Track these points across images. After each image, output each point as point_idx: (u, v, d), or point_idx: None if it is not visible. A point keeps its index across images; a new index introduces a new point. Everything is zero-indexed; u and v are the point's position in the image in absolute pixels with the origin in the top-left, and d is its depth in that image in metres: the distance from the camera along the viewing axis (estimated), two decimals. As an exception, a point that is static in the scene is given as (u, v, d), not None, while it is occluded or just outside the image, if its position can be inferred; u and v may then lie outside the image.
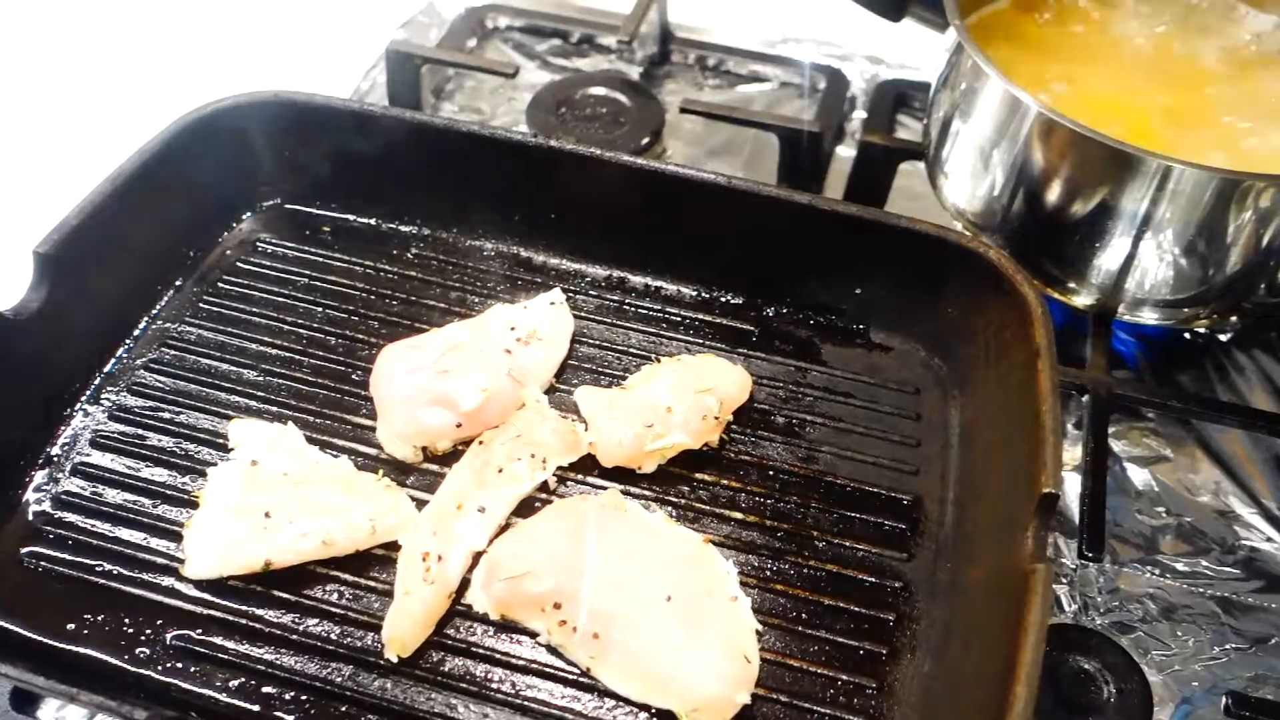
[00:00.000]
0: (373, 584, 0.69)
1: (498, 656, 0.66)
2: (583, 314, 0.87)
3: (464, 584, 0.68)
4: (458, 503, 0.70)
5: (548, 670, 0.65)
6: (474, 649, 0.66)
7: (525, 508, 0.73)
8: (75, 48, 1.18)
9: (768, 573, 0.71)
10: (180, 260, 0.88)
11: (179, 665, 0.65)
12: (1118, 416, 0.84)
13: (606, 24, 1.21)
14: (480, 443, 0.74)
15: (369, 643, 0.66)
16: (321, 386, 0.80)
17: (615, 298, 0.88)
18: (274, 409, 0.79)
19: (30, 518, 0.71)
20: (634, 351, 0.84)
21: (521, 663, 0.65)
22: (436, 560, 0.67)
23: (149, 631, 0.66)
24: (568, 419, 0.77)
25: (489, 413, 0.76)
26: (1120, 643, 0.69)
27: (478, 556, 0.69)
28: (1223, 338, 0.91)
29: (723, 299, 0.88)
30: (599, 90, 1.10)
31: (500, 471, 0.72)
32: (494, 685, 0.65)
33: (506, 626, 0.67)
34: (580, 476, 0.75)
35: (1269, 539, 0.78)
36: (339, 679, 0.65)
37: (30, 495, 0.73)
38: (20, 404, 0.74)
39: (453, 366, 0.77)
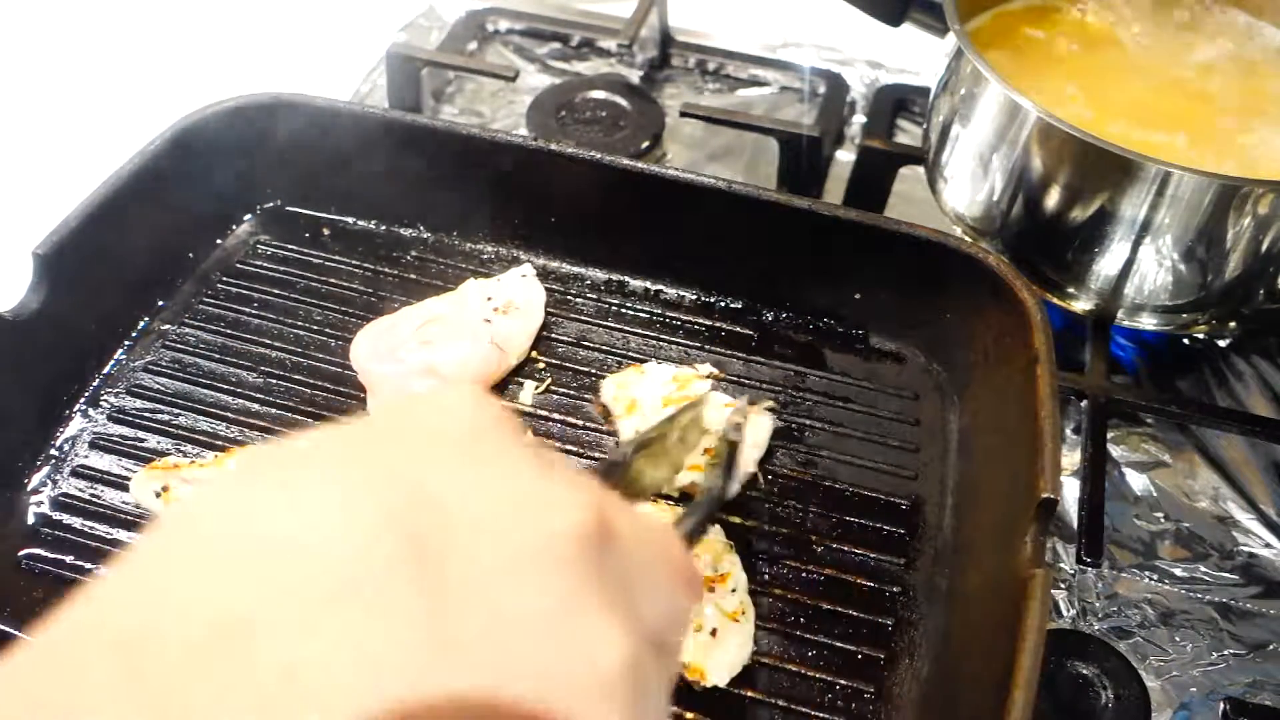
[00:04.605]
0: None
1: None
2: (583, 317, 0.87)
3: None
4: None
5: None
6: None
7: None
8: (75, 48, 1.18)
9: (766, 577, 0.70)
10: (179, 262, 0.88)
11: (177, 668, 0.64)
12: (1116, 422, 0.84)
13: (607, 28, 1.21)
14: None
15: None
16: (321, 389, 0.80)
17: (615, 301, 0.88)
18: (273, 411, 0.79)
19: (29, 520, 0.71)
20: (633, 355, 0.84)
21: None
22: None
23: (147, 634, 0.66)
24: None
25: (476, 379, 0.79)
26: (1118, 648, 0.69)
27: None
28: (1221, 343, 0.91)
29: (722, 303, 0.88)
30: (599, 94, 1.10)
31: None
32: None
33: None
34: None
35: (1267, 545, 0.78)
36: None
37: (28, 497, 0.73)
38: (18, 406, 0.74)
39: (435, 337, 0.80)
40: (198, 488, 0.26)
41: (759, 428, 0.76)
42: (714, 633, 0.63)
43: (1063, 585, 0.74)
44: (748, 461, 0.74)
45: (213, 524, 0.26)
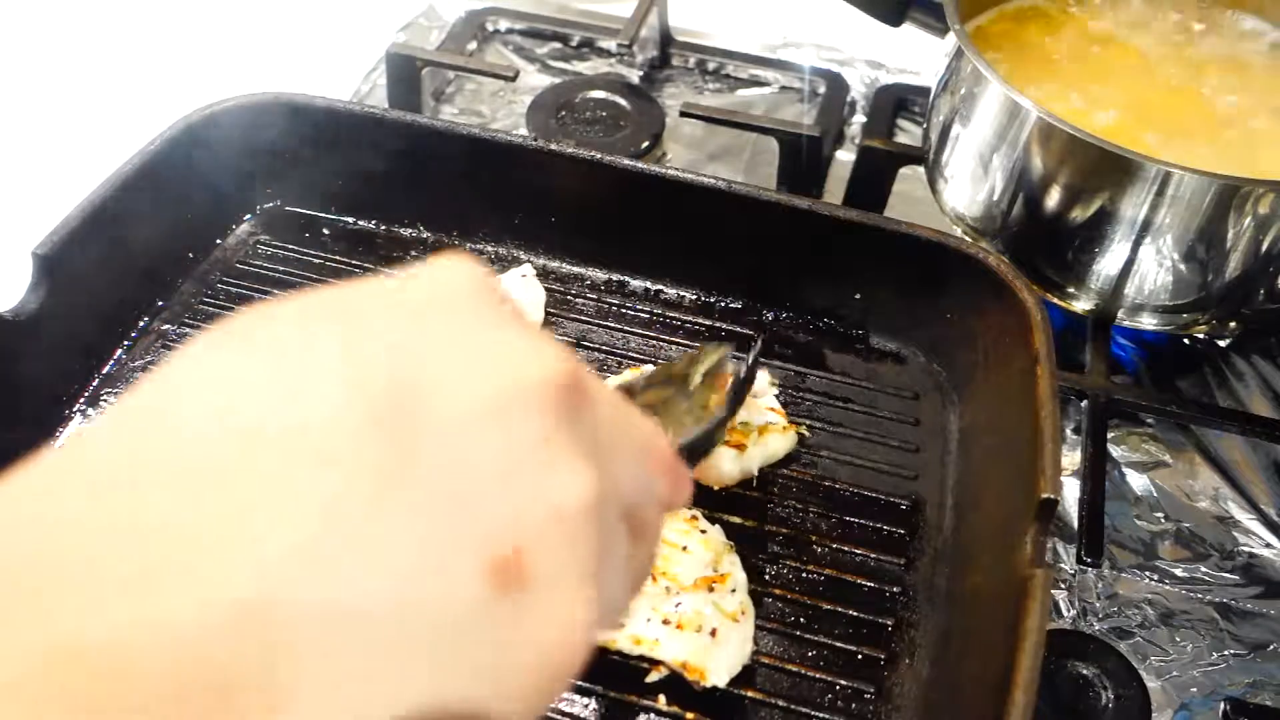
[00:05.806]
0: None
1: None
2: (583, 317, 0.87)
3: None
4: None
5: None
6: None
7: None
8: (75, 48, 1.18)
9: (766, 577, 0.70)
10: (179, 262, 0.88)
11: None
12: (1117, 422, 0.84)
13: (607, 28, 1.21)
14: None
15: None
16: (320, 389, 0.80)
17: (615, 301, 0.88)
18: (273, 411, 0.78)
19: (28, 519, 0.71)
20: (634, 355, 0.84)
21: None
22: None
23: (146, 634, 0.66)
24: None
25: None
26: (1119, 648, 0.69)
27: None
28: (1222, 343, 0.91)
29: (722, 303, 0.88)
30: (599, 94, 1.10)
31: None
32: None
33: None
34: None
35: (1268, 545, 0.78)
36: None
37: (28, 497, 0.72)
38: (17, 406, 0.74)
39: None
40: (176, 356, 0.27)
41: (779, 443, 0.76)
42: (714, 633, 0.63)
43: (1063, 585, 0.74)
44: (750, 469, 0.74)
45: (187, 393, 0.27)
